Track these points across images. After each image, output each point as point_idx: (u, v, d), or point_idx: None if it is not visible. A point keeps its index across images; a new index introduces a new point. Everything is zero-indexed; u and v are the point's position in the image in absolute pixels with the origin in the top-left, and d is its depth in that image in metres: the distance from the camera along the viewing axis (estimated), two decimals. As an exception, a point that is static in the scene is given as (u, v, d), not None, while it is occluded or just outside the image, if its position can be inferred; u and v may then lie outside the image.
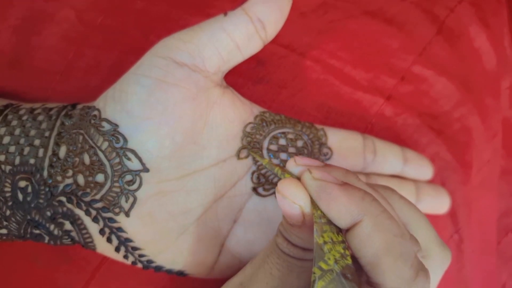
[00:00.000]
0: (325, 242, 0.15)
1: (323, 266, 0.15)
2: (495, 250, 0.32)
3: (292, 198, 0.16)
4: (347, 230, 0.16)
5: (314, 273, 0.15)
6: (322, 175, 0.17)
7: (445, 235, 0.28)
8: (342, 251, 0.15)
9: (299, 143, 0.24)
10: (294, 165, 0.18)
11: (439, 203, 0.27)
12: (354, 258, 0.16)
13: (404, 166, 0.26)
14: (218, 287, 0.26)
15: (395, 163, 0.26)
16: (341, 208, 0.16)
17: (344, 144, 0.25)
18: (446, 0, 0.28)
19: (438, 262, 0.20)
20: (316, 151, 0.24)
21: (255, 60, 0.26)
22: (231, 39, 0.21)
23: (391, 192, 0.20)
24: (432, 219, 0.27)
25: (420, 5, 0.28)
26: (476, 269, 0.30)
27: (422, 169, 0.27)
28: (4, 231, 0.21)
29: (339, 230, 0.16)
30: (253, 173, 0.23)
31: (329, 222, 0.16)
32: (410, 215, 0.20)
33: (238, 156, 0.23)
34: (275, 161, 0.23)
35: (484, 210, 0.30)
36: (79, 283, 0.25)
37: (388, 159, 0.26)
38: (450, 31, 0.28)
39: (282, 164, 0.23)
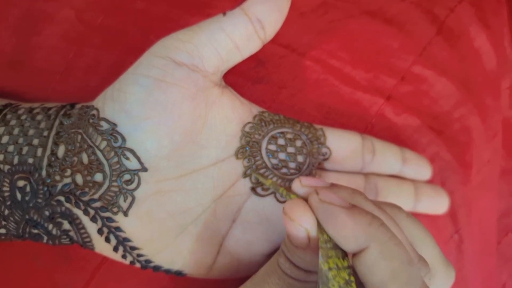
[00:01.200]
0: (330, 268, 0.15)
1: None
2: (495, 250, 0.32)
3: (299, 221, 0.16)
4: (354, 254, 0.16)
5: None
6: (329, 197, 0.16)
7: (445, 235, 0.28)
8: (347, 277, 0.15)
9: (298, 143, 0.24)
10: (300, 186, 0.18)
11: (438, 203, 0.27)
12: (360, 283, 0.16)
13: (403, 166, 0.26)
14: (218, 287, 0.26)
15: (394, 163, 0.26)
16: (348, 233, 0.16)
17: (343, 144, 0.25)
18: (446, 0, 0.28)
19: (443, 281, 0.20)
20: (315, 151, 0.24)
21: (255, 60, 0.26)
22: (230, 39, 0.21)
23: (397, 210, 0.20)
24: (433, 219, 0.27)
25: (420, 5, 0.28)
26: (476, 269, 0.30)
27: (421, 169, 0.26)
28: (2, 230, 0.21)
29: (345, 255, 0.16)
30: (250, 172, 0.23)
31: (335, 246, 0.16)
32: (416, 233, 0.20)
33: (237, 156, 0.23)
34: (278, 166, 0.23)
35: (484, 210, 0.30)
36: (79, 283, 0.25)
37: (387, 159, 0.26)
38: (450, 31, 0.28)
39: (281, 165, 0.23)
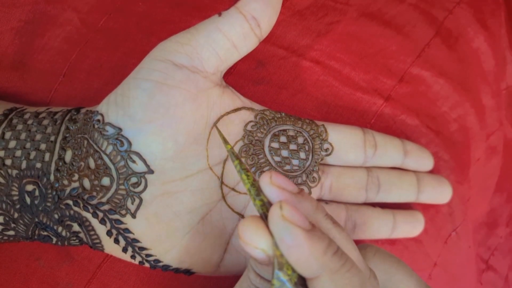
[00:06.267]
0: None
1: (282, 275, 0.15)
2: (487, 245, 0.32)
3: (254, 243, 0.16)
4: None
5: (273, 284, 0.15)
6: (292, 215, 0.15)
7: (445, 233, 0.28)
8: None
9: (300, 140, 0.24)
10: (268, 182, 0.17)
11: (441, 193, 0.27)
12: None
13: (405, 158, 0.26)
14: (220, 285, 0.26)
15: (396, 155, 0.26)
16: (301, 258, 0.15)
17: (344, 140, 0.25)
18: (445, 1, 0.28)
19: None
20: (317, 147, 0.24)
21: (256, 62, 0.26)
22: (227, 38, 0.21)
23: (370, 248, 0.20)
24: (432, 217, 0.28)
25: (419, 6, 0.28)
26: (472, 263, 0.30)
27: (423, 160, 0.26)
28: (11, 232, 0.22)
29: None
30: (255, 170, 0.23)
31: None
32: (391, 271, 0.20)
33: (240, 154, 0.23)
34: (274, 159, 0.23)
35: (476, 207, 0.31)
36: (81, 282, 0.25)
37: (389, 152, 0.26)
38: (449, 33, 0.28)
39: (284, 162, 0.23)
